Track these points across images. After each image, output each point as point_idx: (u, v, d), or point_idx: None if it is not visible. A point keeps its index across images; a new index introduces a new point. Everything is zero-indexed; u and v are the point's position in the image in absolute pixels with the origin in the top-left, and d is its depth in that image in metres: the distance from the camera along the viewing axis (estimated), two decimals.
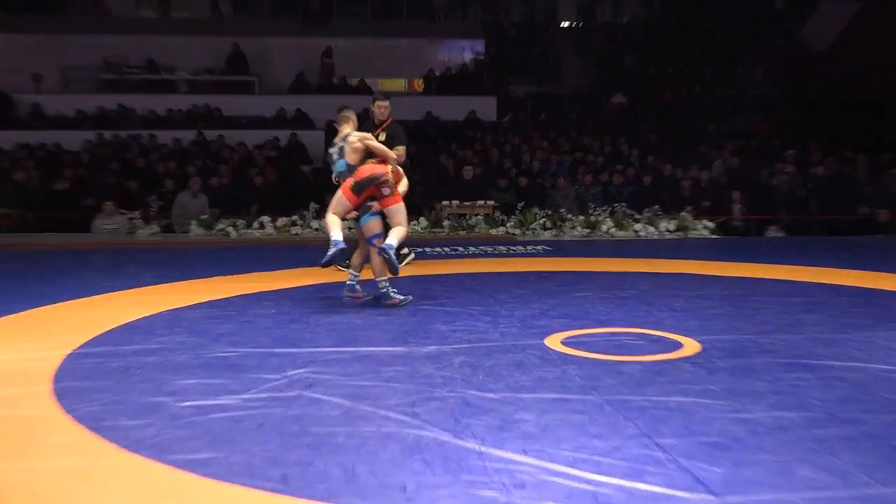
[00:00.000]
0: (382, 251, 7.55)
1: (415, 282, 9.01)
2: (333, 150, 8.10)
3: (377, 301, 7.80)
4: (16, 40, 22.57)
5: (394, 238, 7.69)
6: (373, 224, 7.92)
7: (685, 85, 23.17)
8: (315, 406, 4.77)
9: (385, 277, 7.85)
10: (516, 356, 5.81)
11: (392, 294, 7.90)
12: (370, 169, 7.78)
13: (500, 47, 25.23)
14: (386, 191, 7.73)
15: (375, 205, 7.88)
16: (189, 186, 14.85)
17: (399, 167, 8.12)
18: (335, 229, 7.59)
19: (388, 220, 7.89)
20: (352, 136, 7.98)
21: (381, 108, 9.88)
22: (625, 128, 20.46)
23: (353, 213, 7.97)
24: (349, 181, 7.81)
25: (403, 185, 8.19)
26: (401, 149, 9.65)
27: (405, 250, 10.37)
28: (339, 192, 7.83)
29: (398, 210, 7.81)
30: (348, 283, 8.09)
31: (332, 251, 7.47)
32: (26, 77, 21.87)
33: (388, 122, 9.90)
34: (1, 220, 14.28)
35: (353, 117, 8.27)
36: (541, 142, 19.49)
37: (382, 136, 9.71)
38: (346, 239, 7.64)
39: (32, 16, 22.82)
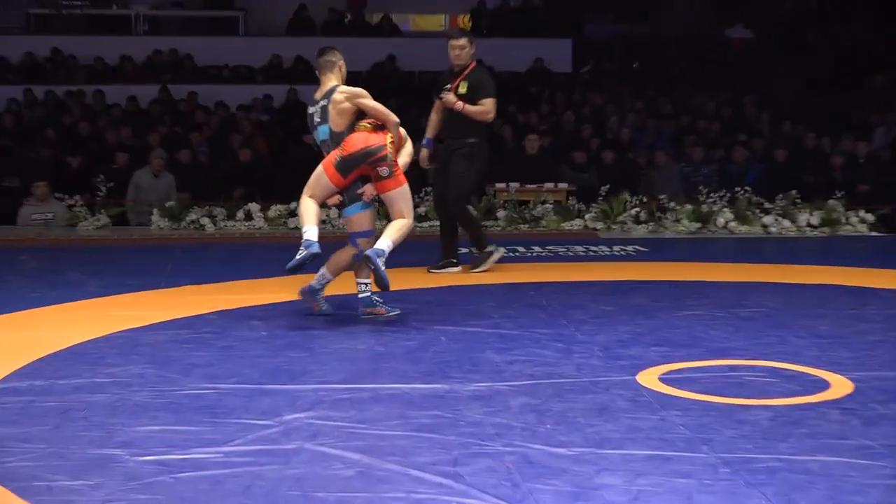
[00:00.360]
0: (367, 259, 7.58)
1: (457, 294, 9.04)
2: (314, 111, 8.07)
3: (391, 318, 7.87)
4: None
5: (389, 238, 7.70)
6: (361, 218, 7.94)
7: (838, 22, 22.98)
8: (321, 463, 4.80)
9: (367, 280, 7.91)
10: (598, 397, 5.81)
11: (376, 302, 7.95)
12: (363, 140, 7.78)
13: None
14: (384, 170, 7.74)
15: (368, 190, 7.87)
16: (150, 162, 14.99)
17: (402, 131, 8.05)
18: (309, 222, 7.65)
19: (387, 209, 7.94)
20: (337, 92, 7.96)
21: (455, 50, 9.95)
22: (750, 80, 20.38)
23: (336, 199, 7.99)
24: (333, 154, 7.83)
25: (409, 148, 8.14)
26: (487, 102, 9.82)
27: (490, 247, 10.32)
28: (320, 168, 7.85)
29: (399, 196, 7.84)
30: (361, 296, 8.11)
31: (301, 254, 7.53)
32: None
33: (470, 67, 10.01)
34: None
35: (341, 62, 8.21)
36: (633, 101, 19.45)
37: (463, 88, 9.79)
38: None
39: None
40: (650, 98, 19.75)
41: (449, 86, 10.01)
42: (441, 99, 10.05)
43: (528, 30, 22.68)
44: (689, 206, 13.85)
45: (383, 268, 7.57)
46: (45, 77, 20.54)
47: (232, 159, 15.73)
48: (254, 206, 13.90)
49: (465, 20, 24.04)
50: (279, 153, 16.30)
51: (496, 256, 10.28)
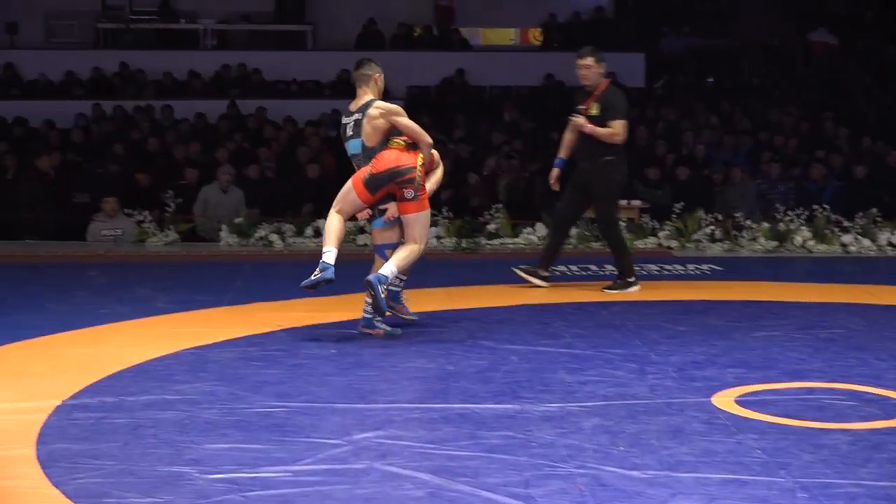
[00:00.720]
0: (368, 285, 7.65)
1: (527, 313, 9.05)
2: (348, 122, 8.16)
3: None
4: None
5: (394, 264, 7.78)
6: (389, 232, 8.06)
7: None
8: (391, 483, 4.84)
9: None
10: (672, 419, 5.81)
11: (377, 323, 8.00)
12: (394, 159, 7.86)
13: None
14: (409, 192, 7.83)
15: (391, 209, 7.96)
16: (218, 178, 15.14)
17: (435, 154, 8.15)
18: (330, 243, 7.80)
19: (403, 230, 7.97)
20: (373, 107, 8.01)
21: (581, 70, 9.95)
22: (830, 91, 20.20)
23: (366, 214, 8.15)
24: (364, 170, 7.94)
25: (438, 174, 8.22)
26: (616, 124, 9.81)
27: (632, 279, 10.16)
28: (349, 184, 7.98)
29: (418, 221, 7.91)
30: (365, 315, 8.15)
31: (315, 275, 7.69)
32: None
33: (602, 87, 10.03)
34: None
35: (379, 73, 8.23)
36: (707, 116, 19.36)
37: (594, 109, 9.81)
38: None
39: None
40: (725, 114, 19.65)
41: (582, 106, 9.95)
42: (571, 120, 9.97)
43: (601, 43, 22.59)
44: (765, 224, 13.77)
45: (383, 294, 7.67)
46: (113, 92, 20.81)
47: (300, 175, 15.83)
48: (322, 223, 13.97)
49: (536, 34, 24.06)
50: (347, 169, 16.34)
51: (632, 289, 10.07)
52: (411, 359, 7.33)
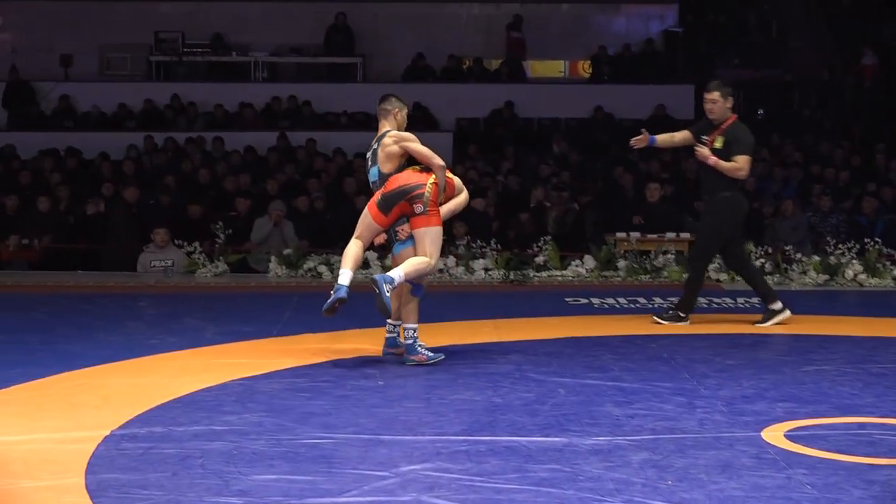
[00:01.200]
0: (374, 282, 7.83)
1: (575, 345, 9.03)
2: (368, 154, 8.49)
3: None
4: (40, 9, 23.60)
5: (403, 269, 7.93)
6: (409, 253, 8.18)
7: None
8: None
9: (414, 325, 8.13)
10: (721, 453, 5.78)
11: (419, 349, 8.11)
12: (404, 178, 8.10)
13: (701, 15, 25.12)
14: (418, 207, 8.00)
15: (404, 229, 8.16)
16: (269, 213, 15.20)
17: (452, 177, 8.33)
18: (346, 265, 8.04)
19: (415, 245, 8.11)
20: (387, 136, 8.26)
21: (707, 104, 9.86)
22: (882, 126, 20.09)
23: (381, 238, 8.39)
24: (377, 194, 8.19)
25: (460, 199, 8.35)
26: (741, 159, 9.63)
27: (777, 304, 10.05)
28: (366, 209, 8.25)
29: (428, 235, 8.03)
30: (388, 335, 8.45)
31: (330, 298, 7.89)
32: (53, 59, 22.84)
33: (729, 121, 9.89)
34: (19, 254, 14.89)
35: (398, 109, 8.43)
36: (757, 149, 19.28)
37: (718, 143, 9.70)
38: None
39: None
40: (776, 146, 19.58)
41: (706, 138, 9.90)
42: (696, 151, 9.91)
43: (651, 75, 22.66)
44: (816, 258, 13.67)
45: (388, 295, 7.79)
46: (165, 124, 21.02)
47: (349, 206, 15.87)
48: (371, 255, 14.00)
49: (585, 66, 24.09)
50: None
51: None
52: (458, 391, 7.33)
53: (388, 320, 8.34)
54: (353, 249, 8.15)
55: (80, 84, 22.33)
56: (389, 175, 8.19)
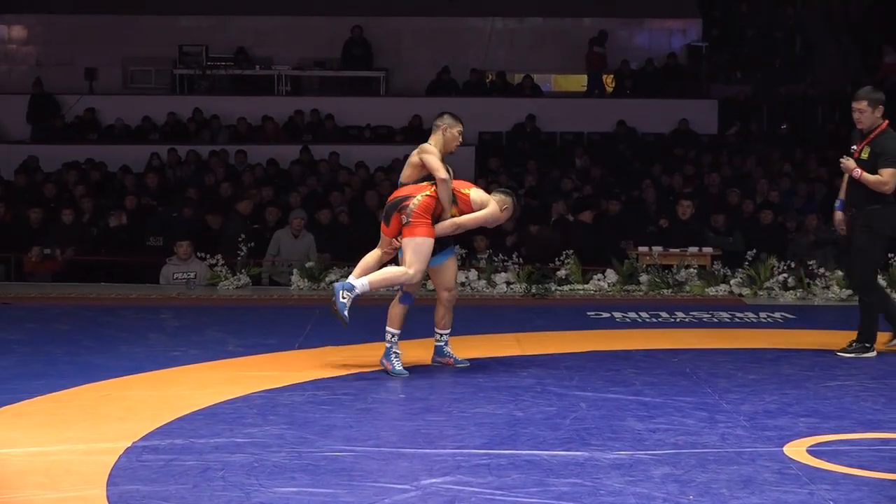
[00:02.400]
0: (335, 291, 8.11)
1: (597, 359, 9.02)
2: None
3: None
4: (63, 23, 23.76)
5: (369, 278, 8.19)
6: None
7: None
8: None
9: (395, 330, 8.35)
10: (743, 469, 5.76)
11: (392, 357, 8.34)
12: (404, 190, 8.38)
13: (725, 30, 25.10)
14: (403, 218, 8.22)
15: (395, 242, 8.38)
16: (290, 222, 15.25)
17: (469, 192, 8.45)
18: (356, 272, 8.35)
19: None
20: (416, 149, 8.51)
21: (855, 113, 9.31)
22: None
23: (392, 250, 8.50)
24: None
25: (479, 215, 8.41)
26: (885, 173, 9.06)
27: (869, 344, 9.31)
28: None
29: (409, 245, 8.19)
30: (436, 343, 8.68)
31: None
32: (77, 73, 22.96)
33: (877, 131, 9.31)
34: (43, 265, 14.97)
35: (448, 126, 8.52)
36: (781, 164, 19.27)
37: (865, 154, 9.20)
38: None
39: None
40: (799, 161, 19.54)
41: (854, 147, 9.47)
42: (840, 162, 9.40)
43: (674, 90, 22.66)
44: (839, 273, 13.62)
45: (344, 300, 8.04)
46: (188, 137, 21.11)
47: (371, 220, 15.88)
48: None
49: (608, 80, 24.09)
50: None
51: (868, 355, 9.27)
52: (480, 404, 7.33)
53: (436, 329, 8.59)
54: (366, 257, 8.47)
55: (105, 97, 22.47)
56: (402, 184, 8.47)
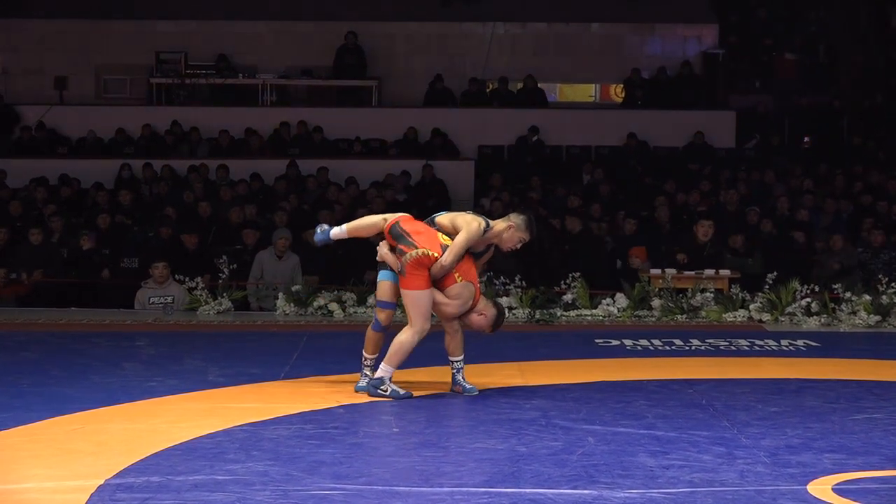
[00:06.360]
0: (371, 390, 8.51)
1: (606, 390, 9.02)
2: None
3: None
4: (32, 29, 23.75)
5: (387, 362, 8.55)
6: (381, 286, 8.77)
7: None
8: None
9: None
10: None
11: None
12: (419, 235, 8.53)
13: (743, 37, 25.16)
14: (398, 266, 8.52)
15: (385, 258, 8.71)
16: (274, 242, 15.24)
17: (501, 226, 8.73)
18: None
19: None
20: (471, 217, 8.71)
21: None
22: None
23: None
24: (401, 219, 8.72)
25: (460, 239, 8.55)
26: None
27: None
28: (399, 223, 8.78)
29: (406, 299, 8.54)
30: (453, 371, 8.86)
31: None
32: (46, 81, 22.97)
33: None
34: (9, 289, 14.95)
35: (517, 229, 8.74)
36: (802, 180, 19.30)
37: None
38: None
39: None
40: (824, 177, 19.58)
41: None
42: None
43: (689, 100, 22.69)
44: (866, 297, 13.63)
45: (388, 391, 8.44)
46: (165, 151, 21.08)
47: (363, 240, 15.86)
48: None
49: (617, 90, 24.14)
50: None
51: None
52: (480, 439, 7.33)
53: (448, 357, 8.80)
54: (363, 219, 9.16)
55: (76, 108, 22.47)
56: (436, 221, 8.78)
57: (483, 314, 8.78)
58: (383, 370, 8.50)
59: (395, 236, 8.54)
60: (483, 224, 8.62)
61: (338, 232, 8.84)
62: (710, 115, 22.17)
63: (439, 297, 8.57)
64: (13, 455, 6.88)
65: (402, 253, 8.44)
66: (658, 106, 22.52)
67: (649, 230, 16.59)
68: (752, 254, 15.51)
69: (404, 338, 8.49)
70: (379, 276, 8.83)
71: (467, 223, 8.59)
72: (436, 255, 8.43)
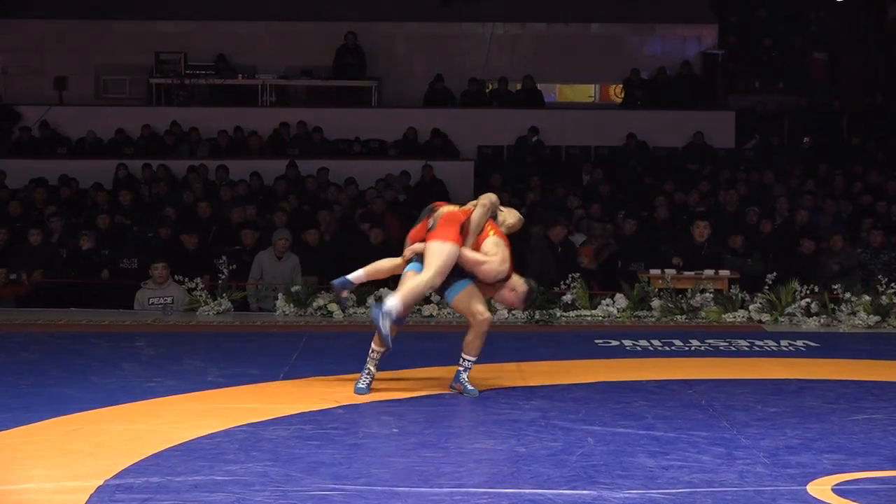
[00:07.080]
0: (375, 319, 8.43)
1: (606, 391, 9.02)
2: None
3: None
4: (31, 29, 23.76)
5: (398, 295, 8.52)
6: (408, 277, 8.80)
7: None
8: None
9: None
10: None
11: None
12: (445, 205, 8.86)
13: (743, 36, 25.17)
14: (430, 221, 8.72)
15: (415, 248, 8.81)
16: (273, 243, 15.22)
17: (483, 223, 8.83)
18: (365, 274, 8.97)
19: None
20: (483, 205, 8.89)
21: None
22: None
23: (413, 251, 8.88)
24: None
25: (484, 260, 8.71)
26: None
27: None
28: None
29: (431, 249, 8.58)
30: (458, 368, 8.87)
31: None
32: (46, 81, 22.97)
33: None
34: (8, 289, 14.95)
35: (512, 220, 9.17)
36: (803, 180, 19.29)
37: None
38: None
39: None
40: (823, 177, 19.57)
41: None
42: None
43: (688, 100, 22.69)
44: (866, 297, 13.63)
45: (387, 327, 8.34)
46: (164, 151, 21.08)
47: (363, 241, 15.88)
48: (385, 292, 13.99)
49: (617, 91, 24.14)
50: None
51: None
52: (479, 439, 7.33)
53: (462, 353, 8.83)
54: (380, 262, 9.21)
55: (75, 108, 22.45)
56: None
57: (515, 290, 8.89)
58: (393, 304, 8.45)
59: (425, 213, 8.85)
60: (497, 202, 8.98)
61: (356, 276, 8.96)
62: (710, 115, 22.17)
63: (478, 256, 8.65)
64: (13, 455, 6.89)
65: (432, 210, 8.79)
66: (658, 106, 22.53)
67: (649, 230, 16.60)
68: (751, 254, 15.51)
69: (419, 280, 8.56)
70: (407, 267, 8.91)
71: (494, 260, 8.77)
72: (466, 209, 8.71)
